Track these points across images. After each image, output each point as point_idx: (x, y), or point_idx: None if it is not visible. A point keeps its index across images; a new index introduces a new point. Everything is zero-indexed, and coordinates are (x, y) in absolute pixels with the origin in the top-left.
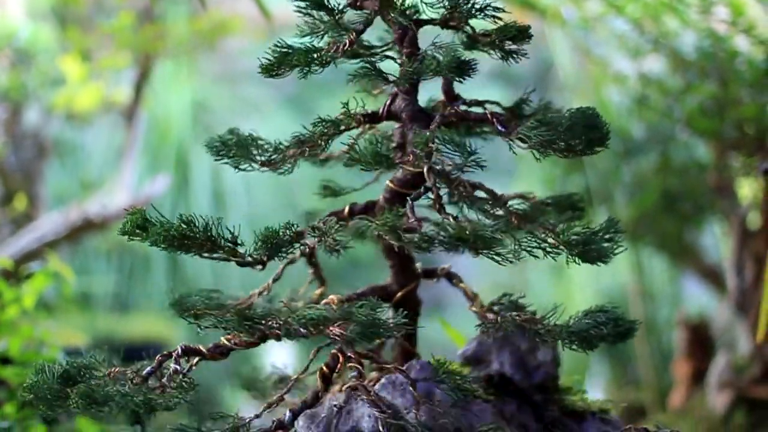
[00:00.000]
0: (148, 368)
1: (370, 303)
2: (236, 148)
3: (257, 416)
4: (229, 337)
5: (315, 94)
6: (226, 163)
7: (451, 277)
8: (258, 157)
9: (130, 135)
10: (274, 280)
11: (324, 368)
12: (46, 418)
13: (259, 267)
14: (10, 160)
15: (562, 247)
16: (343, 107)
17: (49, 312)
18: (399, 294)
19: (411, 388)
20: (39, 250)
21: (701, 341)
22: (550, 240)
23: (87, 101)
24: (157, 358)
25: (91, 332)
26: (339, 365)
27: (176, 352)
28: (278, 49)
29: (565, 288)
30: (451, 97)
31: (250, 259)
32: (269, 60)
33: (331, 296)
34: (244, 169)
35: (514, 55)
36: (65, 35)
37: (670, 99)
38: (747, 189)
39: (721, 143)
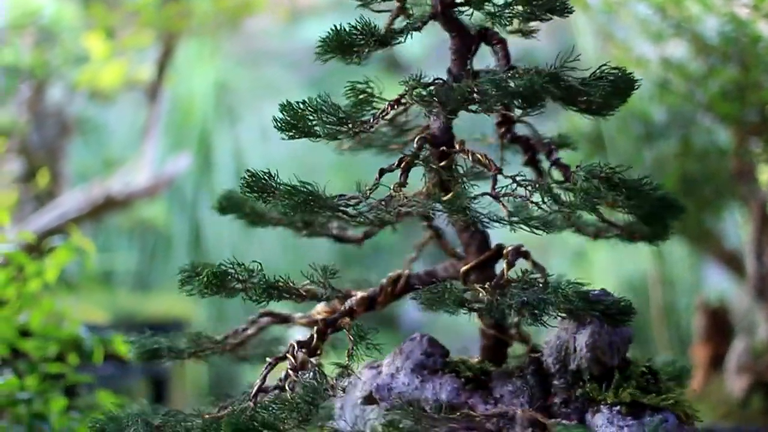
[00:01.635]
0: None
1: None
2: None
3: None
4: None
5: (337, 78)
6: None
7: (526, 255)
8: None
9: (152, 113)
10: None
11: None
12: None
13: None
14: (34, 137)
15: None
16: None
17: (71, 289)
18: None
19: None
20: (61, 227)
21: (720, 326)
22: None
23: (110, 79)
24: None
25: (112, 310)
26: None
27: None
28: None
29: (586, 274)
30: None
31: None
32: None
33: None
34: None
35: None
36: (89, 13)
37: (691, 83)
38: (767, 174)
39: (742, 128)
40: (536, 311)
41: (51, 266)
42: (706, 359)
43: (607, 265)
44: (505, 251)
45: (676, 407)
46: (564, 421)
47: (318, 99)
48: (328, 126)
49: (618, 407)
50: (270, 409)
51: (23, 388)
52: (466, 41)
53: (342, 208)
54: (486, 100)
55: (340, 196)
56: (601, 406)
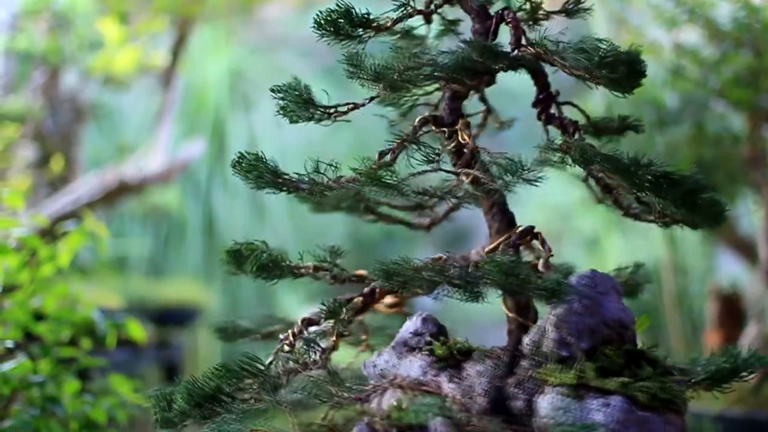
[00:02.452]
0: None
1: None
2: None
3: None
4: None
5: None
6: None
7: (536, 236)
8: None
9: (166, 99)
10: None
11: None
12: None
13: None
14: (48, 123)
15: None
16: None
17: (85, 275)
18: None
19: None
20: (75, 212)
21: (732, 312)
22: None
23: (124, 65)
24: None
25: (125, 295)
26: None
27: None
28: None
29: (599, 262)
30: None
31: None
32: None
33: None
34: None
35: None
36: None
37: (704, 69)
38: None
39: (755, 114)
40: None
41: (64, 251)
42: (719, 345)
43: (621, 253)
44: (513, 230)
45: (629, 390)
46: None
47: None
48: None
49: (560, 389)
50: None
51: (36, 372)
52: (484, 22)
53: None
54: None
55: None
56: (546, 388)
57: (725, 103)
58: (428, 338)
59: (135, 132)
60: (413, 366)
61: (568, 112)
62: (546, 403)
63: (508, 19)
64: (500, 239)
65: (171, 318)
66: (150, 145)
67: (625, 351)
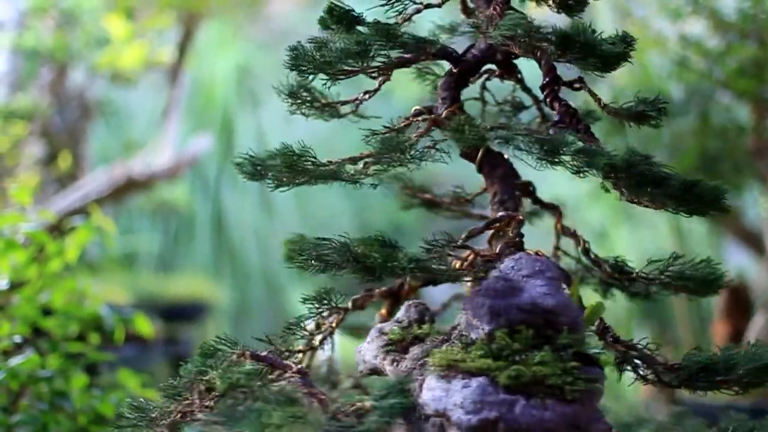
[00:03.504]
0: None
1: None
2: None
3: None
4: None
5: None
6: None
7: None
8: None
9: (173, 95)
10: None
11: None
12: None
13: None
14: (56, 120)
15: None
16: None
17: (94, 271)
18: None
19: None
20: (83, 208)
21: (740, 303)
22: None
23: (131, 61)
24: None
25: (134, 291)
26: None
27: None
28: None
29: (608, 253)
30: None
31: None
32: None
33: None
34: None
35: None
36: None
37: (709, 60)
38: None
39: (760, 105)
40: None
41: (72, 246)
42: (726, 336)
43: (629, 244)
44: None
45: (493, 372)
46: None
47: None
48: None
49: (436, 370)
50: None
51: (44, 367)
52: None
53: None
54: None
55: None
56: (428, 369)
57: (730, 94)
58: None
59: (143, 128)
60: (370, 350)
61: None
62: (424, 384)
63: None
64: (487, 223)
65: (180, 313)
66: (157, 141)
67: (545, 336)
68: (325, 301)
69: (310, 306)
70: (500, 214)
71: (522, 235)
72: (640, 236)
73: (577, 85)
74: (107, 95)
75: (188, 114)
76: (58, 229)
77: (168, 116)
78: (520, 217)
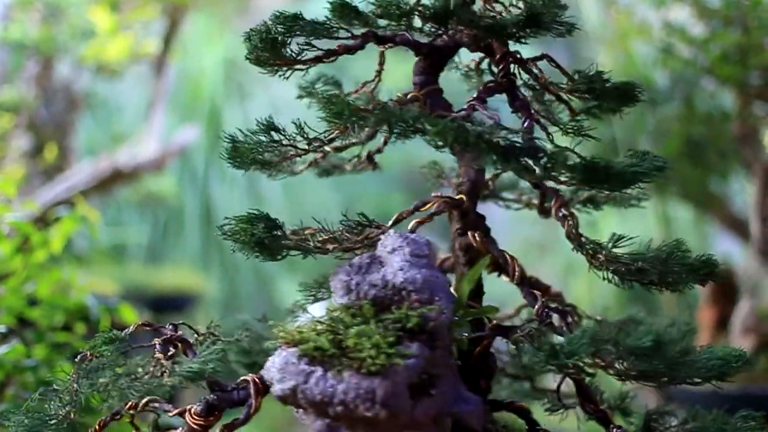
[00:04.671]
0: None
1: None
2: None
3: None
4: None
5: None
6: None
7: None
8: None
9: (158, 86)
10: None
11: None
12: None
13: None
14: (42, 113)
15: None
16: None
17: (81, 263)
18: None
19: None
20: (69, 200)
21: (726, 289)
22: None
23: (116, 53)
24: None
25: (122, 283)
26: None
27: None
28: None
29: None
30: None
31: None
32: None
33: None
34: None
35: None
36: None
37: (694, 47)
38: None
39: (745, 92)
40: None
41: (57, 236)
42: (712, 321)
43: (618, 233)
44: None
45: (297, 342)
46: None
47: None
48: None
49: (278, 342)
50: None
51: (30, 356)
52: None
53: None
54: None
55: None
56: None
57: (715, 80)
58: None
59: (130, 120)
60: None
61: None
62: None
63: None
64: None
65: (168, 305)
66: (144, 133)
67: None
68: (323, 289)
69: (307, 293)
70: (432, 194)
71: (478, 216)
72: (629, 226)
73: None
74: (94, 88)
75: (176, 106)
76: (43, 221)
77: (154, 108)
78: (445, 199)
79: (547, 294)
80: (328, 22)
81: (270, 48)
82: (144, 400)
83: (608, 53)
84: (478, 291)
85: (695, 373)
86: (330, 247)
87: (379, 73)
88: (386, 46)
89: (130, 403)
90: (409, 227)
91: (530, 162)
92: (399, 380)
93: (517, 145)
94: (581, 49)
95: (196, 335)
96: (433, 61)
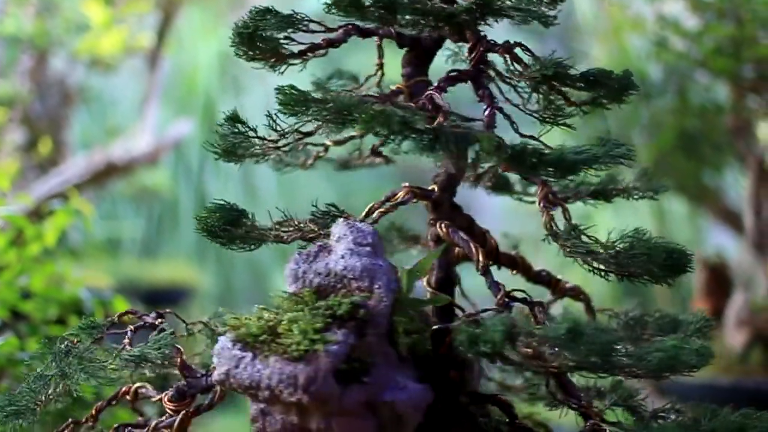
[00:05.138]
0: None
1: None
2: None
3: None
4: None
5: (345, 48)
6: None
7: None
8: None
9: (152, 80)
10: None
11: None
12: None
13: None
14: (36, 107)
15: None
16: None
17: (76, 256)
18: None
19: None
20: (63, 193)
21: (719, 281)
22: None
23: (110, 47)
24: None
25: (117, 276)
26: None
27: None
28: None
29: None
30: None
31: None
32: None
33: None
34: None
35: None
36: None
37: (687, 40)
38: (765, 130)
39: (739, 85)
40: None
41: (50, 229)
42: (706, 314)
43: (612, 227)
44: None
45: (234, 328)
46: None
47: None
48: None
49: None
50: None
51: (23, 349)
52: None
53: None
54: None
55: None
56: None
57: (709, 73)
58: None
59: (125, 114)
60: None
61: None
62: None
63: None
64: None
65: (162, 298)
66: (138, 127)
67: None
68: None
69: None
70: (404, 185)
71: (453, 208)
72: (623, 219)
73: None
74: (89, 82)
75: (171, 101)
76: (37, 214)
77: (148, 101)
78: (413, 189)
79: (558, 287)
80: (296, 16)
81: (247, 42)
82: (134, 387)
83: (602, 46)
84: (446, 281)
85: (639, 365)
86: (288, 237)
87: (380, 66)
88: (383, 40)
89: (124, 389)
90: (373, 217)
91: (460, 148)
92: (321, 366)
93: (445, 131)
94: (575, 42)
95: (185, 325)
96: (418, 52)
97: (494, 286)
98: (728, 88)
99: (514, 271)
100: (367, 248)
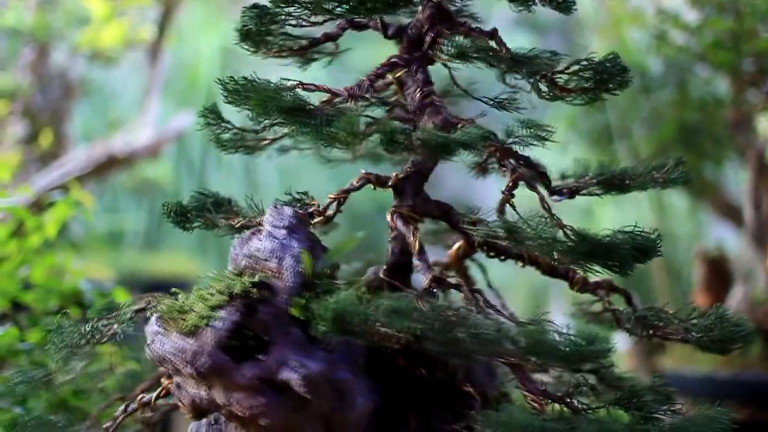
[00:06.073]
0: None
1: None
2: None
3: None
4: None
5: (349, 45)
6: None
7: None
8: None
9: (153, 73)
10: None
11: None
12: None
13: None
14: (38, 100)
15: None
16: None
17: (77, 249)
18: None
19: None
20: (64, 186)
21: (719, 274)
22: None
23: (111, 39)
24: None
25: (117, 269)
26: None
27: None
28: None
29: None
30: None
31: None
32: None
33: None
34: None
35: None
36: None
37: (687, 34)
38: (765, 124)
39: (739, 79)
40: None
41: (51, 221)
42: (706, 307)
43: (614, 222)
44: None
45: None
46: None
47: None
48: None
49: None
50: None
51: (23, 340)
52: None
53: None
54: None
55: None
56: None
57: (708, 67)
58: None
59: (126, 107)
60: None
61: None
62: None
63: None
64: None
65: (162, 290)
66: (139, 120)
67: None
68: None
69: None
70: (362, 172)
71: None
72: (625, 214)
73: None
74: (90, 74)
75: (173, 95)
76: (38, 206)
77: (149, 94)
78: (367, 176)
79: (575, 281)
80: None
81: (246, 39)
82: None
83: (602, 40)
84: (401, 266)
85: (475, 341)
86: (237, 223)
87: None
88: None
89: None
90: (326, 203)
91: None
92: (206, 341)
93: (318, 114)
94: (576, 36)
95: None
96: (406, 43)
97: (425, 270)
98: (728, 82)
99: (521, 264)
100: (283, 231)
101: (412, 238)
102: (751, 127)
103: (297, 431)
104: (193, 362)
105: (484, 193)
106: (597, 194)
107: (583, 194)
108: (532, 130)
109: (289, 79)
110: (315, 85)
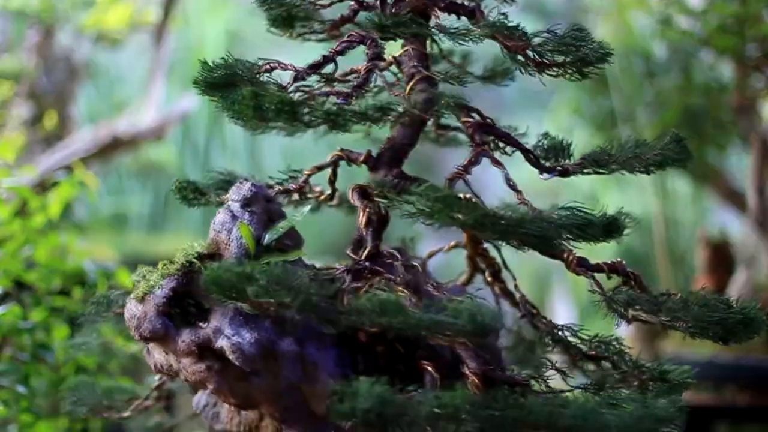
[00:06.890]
0: None
1: None
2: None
3: None
4: None
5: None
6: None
7: None
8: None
9: (158, 55)
10: None
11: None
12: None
13: None
14: (43, 82)
15: None
16: None
17: (81, 230)
18: None
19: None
20: (68, 167)
21: (722, 259)
22: None
23: (116, 21)
24: None
25: (121, 250)
26: None
27: None
28: None
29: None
30: None
31: None
32: None
33: None
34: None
35: None
36: None
37: (691, 19)
38: None
39: (743, 64)
40: None
41: (55, 201)
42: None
43: (618, 207)
44: None
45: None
46: None
47: None
48: None
49: None
50: None
51: (26, 319)
52: None
53: None
54: None
55: None
56: None
57: (713, 51)
58: None
59: (131, 89)
60: None
61: None
62: None
63: None
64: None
65: None
66: (143, 102)
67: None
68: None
69: None
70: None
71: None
72: (629, 199)
73: None
74: (96, 57)
75: (177, 77)
76: (41, 186)
77: (153, 76)
78: (339, 153)
79: (570, 261)
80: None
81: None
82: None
83: (607, 25)
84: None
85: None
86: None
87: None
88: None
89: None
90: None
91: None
92: (149, 307)
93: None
94: (581, 21)
95: None
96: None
97: (353, 252)
98: (732, 67)
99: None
100: (237, 204)
101: (361, 213)
102: (755, 112)
103: (259, 400)
104: (138, 327)
105: (488, 180)
106: (586, 173)
107: (574, 173)
108: None
109: (265, 59)
110: (279, 62)
